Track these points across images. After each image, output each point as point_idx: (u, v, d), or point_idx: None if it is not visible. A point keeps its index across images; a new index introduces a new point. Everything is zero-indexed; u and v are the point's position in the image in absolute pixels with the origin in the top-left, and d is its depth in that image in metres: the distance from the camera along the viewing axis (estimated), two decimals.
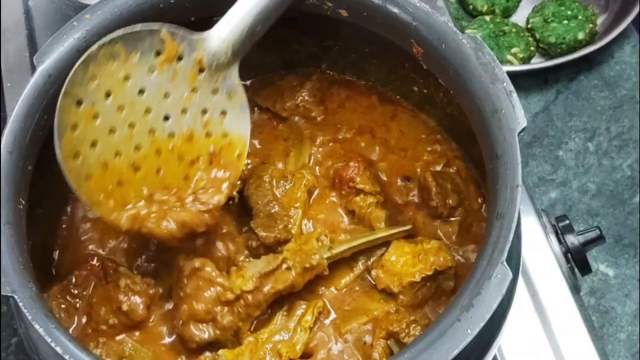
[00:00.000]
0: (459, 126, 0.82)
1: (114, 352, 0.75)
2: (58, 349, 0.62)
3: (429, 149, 0.89)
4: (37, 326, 0.63)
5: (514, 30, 1.28)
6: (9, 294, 0.64)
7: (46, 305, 0.66)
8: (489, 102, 0.71)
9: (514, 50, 1.26)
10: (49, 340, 0.62)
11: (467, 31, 1.27)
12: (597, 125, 1.24)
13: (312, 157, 0.88)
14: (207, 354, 0.76)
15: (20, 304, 0.63)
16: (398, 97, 0.92)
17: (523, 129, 0.68)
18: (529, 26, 1.31)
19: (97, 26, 0.77)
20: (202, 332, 0.76)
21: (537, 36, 1.29)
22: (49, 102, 0.74)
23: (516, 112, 0.69)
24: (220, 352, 0.75)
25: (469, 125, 0.75)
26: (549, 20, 1.29)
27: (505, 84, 0.71)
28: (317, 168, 0.87)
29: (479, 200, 0.85)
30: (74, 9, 1.04)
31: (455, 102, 0.77)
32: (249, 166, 0.86)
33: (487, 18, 1.30)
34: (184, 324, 0.77)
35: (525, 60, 1.27)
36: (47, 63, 0.74)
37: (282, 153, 0.89)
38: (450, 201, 0.83)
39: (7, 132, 0.71)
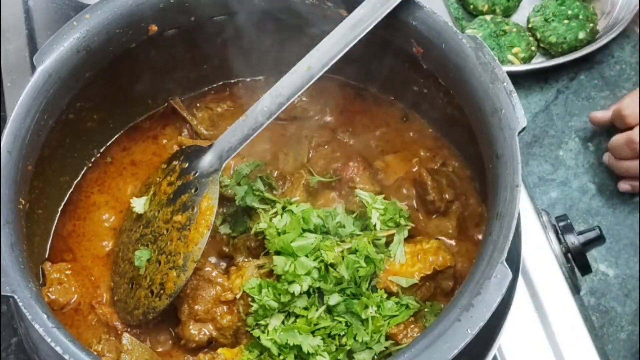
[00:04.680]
0: (457, 126, 0.82)
1: (115, 347, 0.76)
2: (58, 349, 0.62)
3: (426, 148, 0.89)
4: (37, 326, 0.63)
5: (514, 29, 1.28)
6: (9, 294, 0.64)
7: (46, 305, 0.66)
8: (489, 102, 0.71)
9: (514, 50, 1.26)
10: (49, 340, 0.62)
11: (468, 31, 1.27)
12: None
13: (310, 157, 0.88)
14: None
15: (20, 304, 0.63)
16: (396, 97, 0.92)
17: (523, 129, 0.68)
18: (530, 26, 1.31)
19: (97, 26, 0.77)
20: (202, 332, 0.76)
21: (538, 36, 1.29)
22: (49, 102, 0.74)
23: (516, 112, 0.69)
24: (219, 351, 0.75)
25: (467, 125, 0.75)
26: (550, 19, 1.29)
27: (505, 84, 0.70)
28: (315, 168, 0.87)
29: (475, 197, 0.85)
30: (74, 9, 1.04)
31: (455, 102, 0.77)
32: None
33: (488, 18, 1.30)
34: (183, 323, 0.77)
35: (526, 59, 1.27)
36: (47, 63, 0.74)
37: (280, 153, 0.89)
38: (447, 195, 0.83)
39: (7, 132, 0.71)
